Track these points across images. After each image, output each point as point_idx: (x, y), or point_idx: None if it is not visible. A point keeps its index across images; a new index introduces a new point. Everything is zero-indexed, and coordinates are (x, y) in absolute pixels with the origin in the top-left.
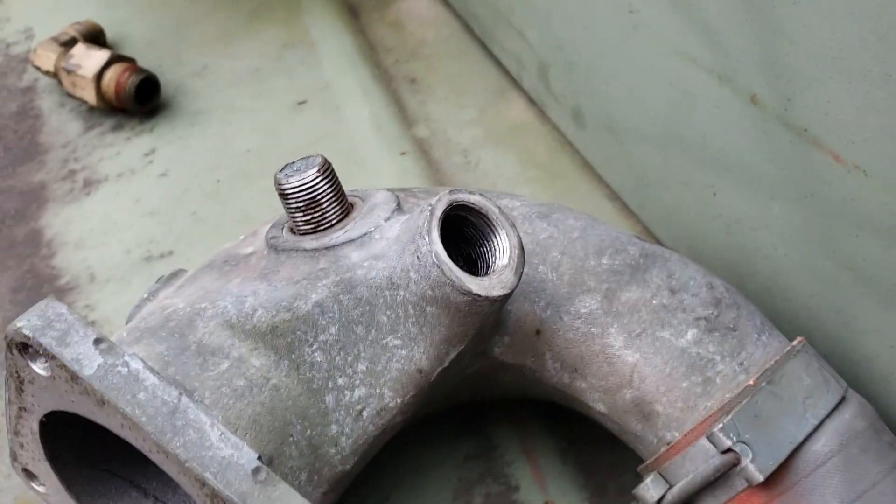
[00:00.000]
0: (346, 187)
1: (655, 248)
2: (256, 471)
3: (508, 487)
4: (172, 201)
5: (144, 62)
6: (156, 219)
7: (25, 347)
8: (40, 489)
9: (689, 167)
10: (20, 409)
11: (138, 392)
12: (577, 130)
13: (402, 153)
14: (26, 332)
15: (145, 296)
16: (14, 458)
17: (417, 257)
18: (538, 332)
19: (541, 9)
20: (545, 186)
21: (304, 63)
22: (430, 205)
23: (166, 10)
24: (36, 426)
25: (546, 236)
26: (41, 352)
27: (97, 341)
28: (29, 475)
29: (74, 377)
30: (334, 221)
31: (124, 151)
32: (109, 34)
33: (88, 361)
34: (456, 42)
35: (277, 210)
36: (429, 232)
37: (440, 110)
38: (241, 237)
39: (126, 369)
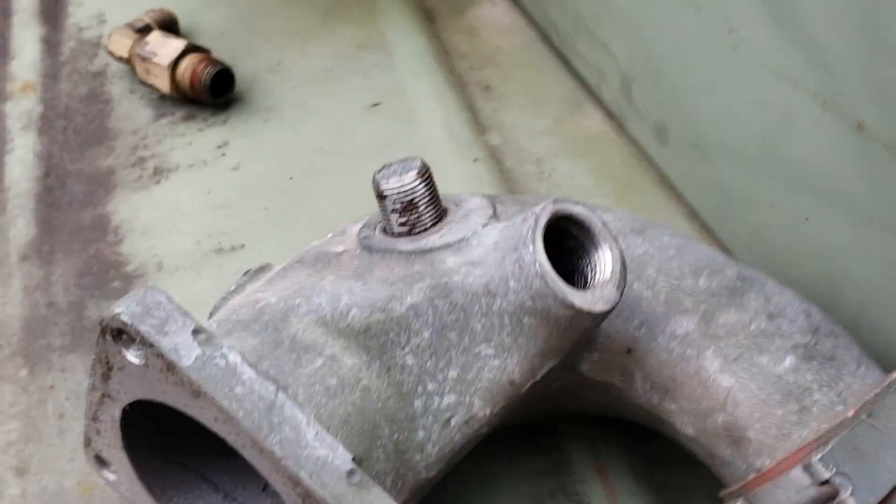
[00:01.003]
0: None
1: (752, 272)
2: (351, 473)
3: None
4: (244, 195)
5: (218, 53)
6: (227, 211)
7: (120, 334)
8: (111, 477)
9: (781, 190)
10: (104, 395)
11: (236, 386)
12: (658, 146)
13: (475, 160)
14: (124, 318)
15: (233, 288)
16: (88, 443)
17: (519, 266)
18: (629, 351)
19: (630, 22)
20: (620, 201)
21: (379, 65)
22: (535, 213)
23: (241, 1)
24: (118, 413)
25: (641, 252)
26: (137, 339)
27: (196, 331)
28: (101, 462)
29: (171, 367)
30: (429, 225)
31: (196, 142)
32: (183, 23)
33: (186, 352)
34: (531, 51)
35: (348, 208)
36: (533, 241)
37: (514, 118)
38: (328, 235)
39: (224, 362)
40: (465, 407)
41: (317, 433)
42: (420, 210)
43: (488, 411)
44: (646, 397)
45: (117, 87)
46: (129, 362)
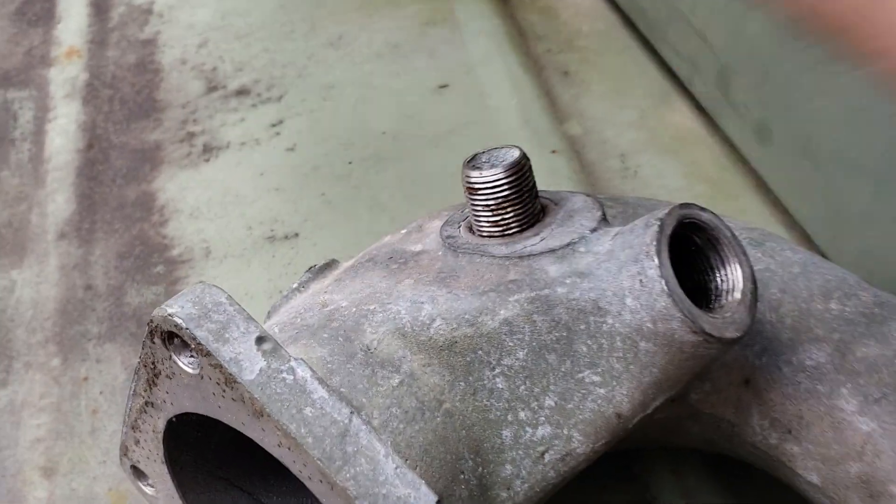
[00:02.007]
0: None
1: (891, 297)
2: None
3: None
4: (300, 179)
5: (275, 25)
6: (281, 196)
7: (171, 338)
8: (148, 490)
9: None
10: (147, 403)
11: (305, 407)
12: (758, 147)
13: (553, 151)
14: (178, 320)
15: (295, 286)
16: (125, 452)
17: (640, 281)
18: (747, 382)
19: (734, 9)
20: (712, 205)
21: (448, 43)
22: (660, 219)
23: None
24: (161, 425)
25: (761, 268)
26: (193, 346)
27: (260, 340)
28: (138, 473)
29: (230, 381)
30: (525, 226)
31: (249, 119)
32: None
33: (249, 364)
34: (614, 36)
35: (413, 200)
36: (658, 252)
37: (596, 108)
38: (402, 231)
39: (292, 377)
40: (563, 441)
41: (397, 468)
42: (516, 209)
43: (589, 447)
44: (762, 436)
45: (168, 57)
46: (180, 370)
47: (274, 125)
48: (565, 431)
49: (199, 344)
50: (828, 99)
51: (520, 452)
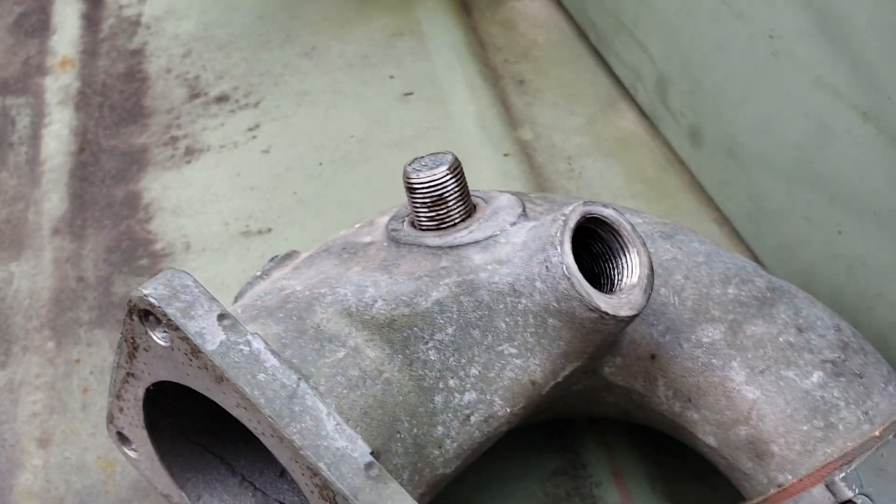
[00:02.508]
0: None
1: (782, 283)
2: (369, 466)
3: None
4: (274, 178)
5: (253, 36)
6: (256, 194)
7: (147, 315)
8: (132, 454)
9: (815, 202)
10: (128, 374)
11: (258, 373)
12: (692, 150)
13: (506, 154)
14: (152, 300)
15: (258, 274)
16: (110, 419)
17: (546, 267)
18: (653, 357)
19: (670, 24)
20: (650, 203)
21: (414, 54)
22: (564, 215)
23: None
24: (141, 393)
25: (669, 258)
26: (164, 321)
27: (221, 317)
28: (122, 439)
29: (195, 351)
30: (458, 220)
31: (228, 123)
32: (217, 4)
33: (211, 336)
34: (568, 47)
35: (378, 198)
36: (561, 243)
37: (547, 114)
38: (356, 225)
39: (248, 348)
40: (486, 405)
41: (337, 424)
42: (449, 205)
43: (508, 410)
44: (668, 405)
45: (154, 66)
46: (154, 343)
47: (251, 129)
48: (488, 397)
49: (170, 320)
50: (749, 106)
51: (449, 415)
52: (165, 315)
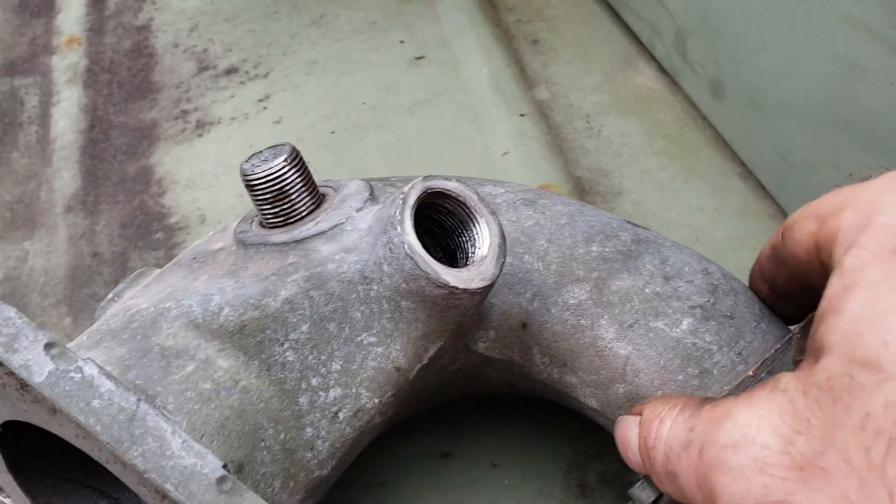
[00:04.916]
0: (463, 147)
1: (649, 234)
2: (221, 480)
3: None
4: None
5: (259, 7)
6: None
7: None
8: (6, 501)
9: (844, 147)
10: None
11: (93, 399)
12: (713, 103)
13: (522, 115)
14: None
15: (110, 296)
16: None
17: (390, 249)
18: (525, 326)
19: None
20: (672, 159)
21: (424, 17)
22: (403, 193)
23: None
24: None
25: (531, 224)
26: None
27: (48, 346)
28: None
29: (24, 385)
30: (304, 213)
31: (238, 95)
32: None
33: (38, 368)
34: (582, 4)
35: (392, 165)
36: (401, 222)
37: (563, 73)
38: (210, 233)
39: (80, 375)
40: (353, 399)
41: (183, 442)
42: (292, 198)
43: (377, 401)
44: (547, 372)
45: (161, 41)
46: None
47: (261, 100)
48: (353, 390)
49: None
50: (772, 52)
51: (316, 415)
52: None
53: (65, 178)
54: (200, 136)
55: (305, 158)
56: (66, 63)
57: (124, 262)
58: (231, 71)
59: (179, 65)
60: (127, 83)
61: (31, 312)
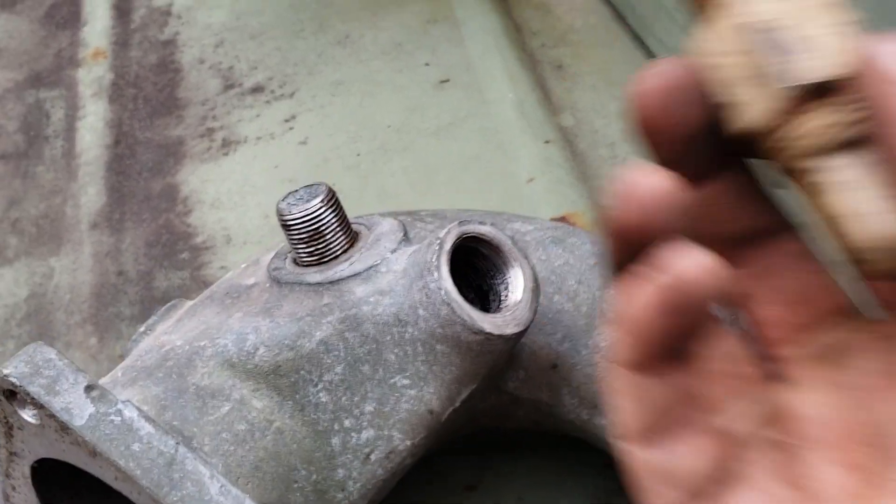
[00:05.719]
0: (488, 173)
1: None
2: None
3: None
4: (312, 170)
5: (285, 25)
6: (294, 186)
7: (13, 394)
8: None
9: None
10: (11, 453)
11: (133, 443)
12: None
13: (547, 141)
14: (13, 379)
15: (142, 329)
16: (6, 499)
17: (426, 294)
18: (554, 367)
19: None
20: None
21: (449, 40)
22: (439, 238)
23: None
24: (27, 471)
25: (561, 263)
26: (28, 400)
27: (88, 388)
28: None
29: (64, 427)
30: (339, 252)
31: (264, 114)
32: None
33: (79, 411)
34: (606, 30)
35: (418, 189)
36: (438, 267)
37: (588, 99)
38: (242, 265)
39: (119, 418)
40: (385, 440)
41: (221, 486)
42: (327, 238)
43: (409, 443)
44: (575, 413)
45: (187, 56)
46: (26, 422)
47: (287, 120)
48: (386, 432)
49: (33, 398)
50: None
51: (349, 456)
52: (28, 394)
53: (90, 193)
54: (226, 154)
55: (331, 181)
56: (92, 76)
57: (150, 282)
58: (257, 89)
59: (205, 81)
60: (152, 98)
61: (57, 331)
